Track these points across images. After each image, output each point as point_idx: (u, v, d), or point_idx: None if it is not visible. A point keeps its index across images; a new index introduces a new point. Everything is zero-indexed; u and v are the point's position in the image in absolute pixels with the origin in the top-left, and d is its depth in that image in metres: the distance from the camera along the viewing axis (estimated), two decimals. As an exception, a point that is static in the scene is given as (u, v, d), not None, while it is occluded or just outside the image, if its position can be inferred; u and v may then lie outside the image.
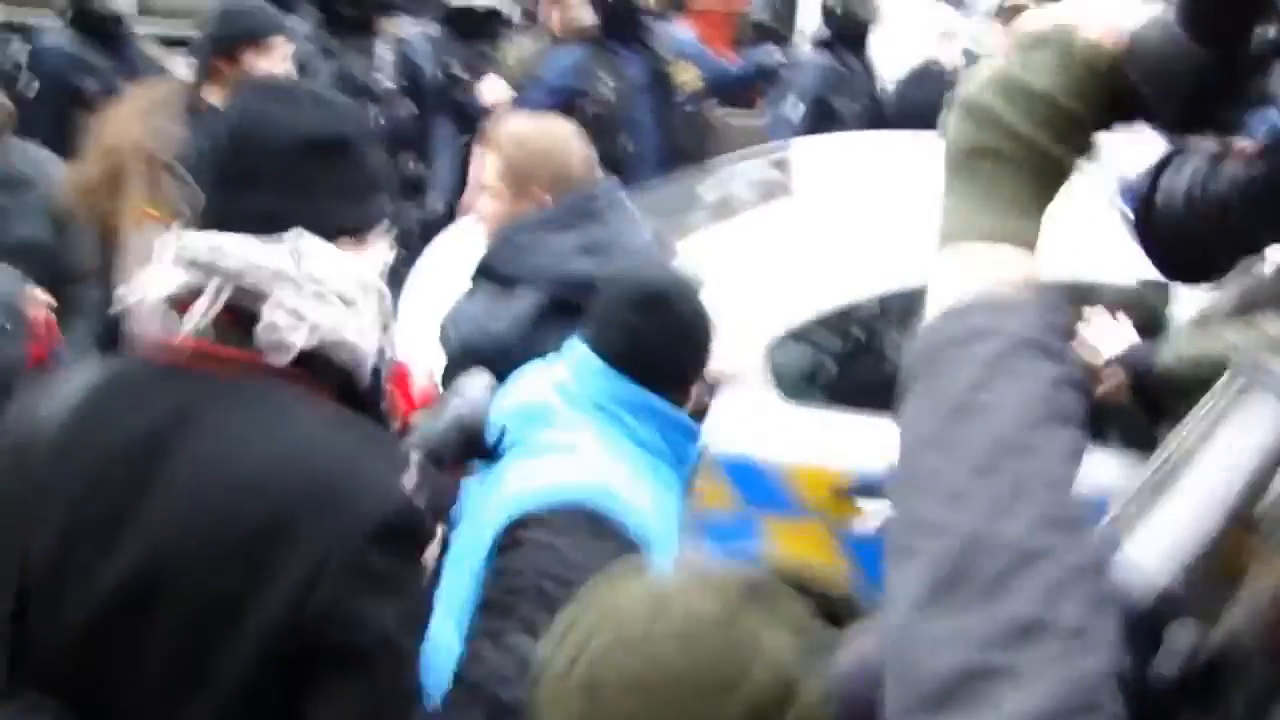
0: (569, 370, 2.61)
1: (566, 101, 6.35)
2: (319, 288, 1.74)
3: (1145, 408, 3.37)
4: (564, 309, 3.02)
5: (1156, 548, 1.08)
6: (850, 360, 4.29)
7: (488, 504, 2.45)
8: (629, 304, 2.59)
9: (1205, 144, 1.18)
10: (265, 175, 1.80)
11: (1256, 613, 1.03)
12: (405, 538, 1.74)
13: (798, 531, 4.02)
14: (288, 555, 1.65)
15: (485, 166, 3.28)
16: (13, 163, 3.64)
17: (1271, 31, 1.10)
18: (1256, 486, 1.05)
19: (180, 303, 1.75)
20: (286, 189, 1.78)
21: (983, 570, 0.95)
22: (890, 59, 7.17)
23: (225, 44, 4.49)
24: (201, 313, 1.73)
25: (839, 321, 4.24)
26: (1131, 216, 1.21)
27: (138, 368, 1.81)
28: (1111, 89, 1.18)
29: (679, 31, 7.33)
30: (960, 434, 1.04)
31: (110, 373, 1.83)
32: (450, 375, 3.06)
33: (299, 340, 1.73)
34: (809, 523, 4.01)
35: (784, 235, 4.57)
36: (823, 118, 6.77)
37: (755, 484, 4.02)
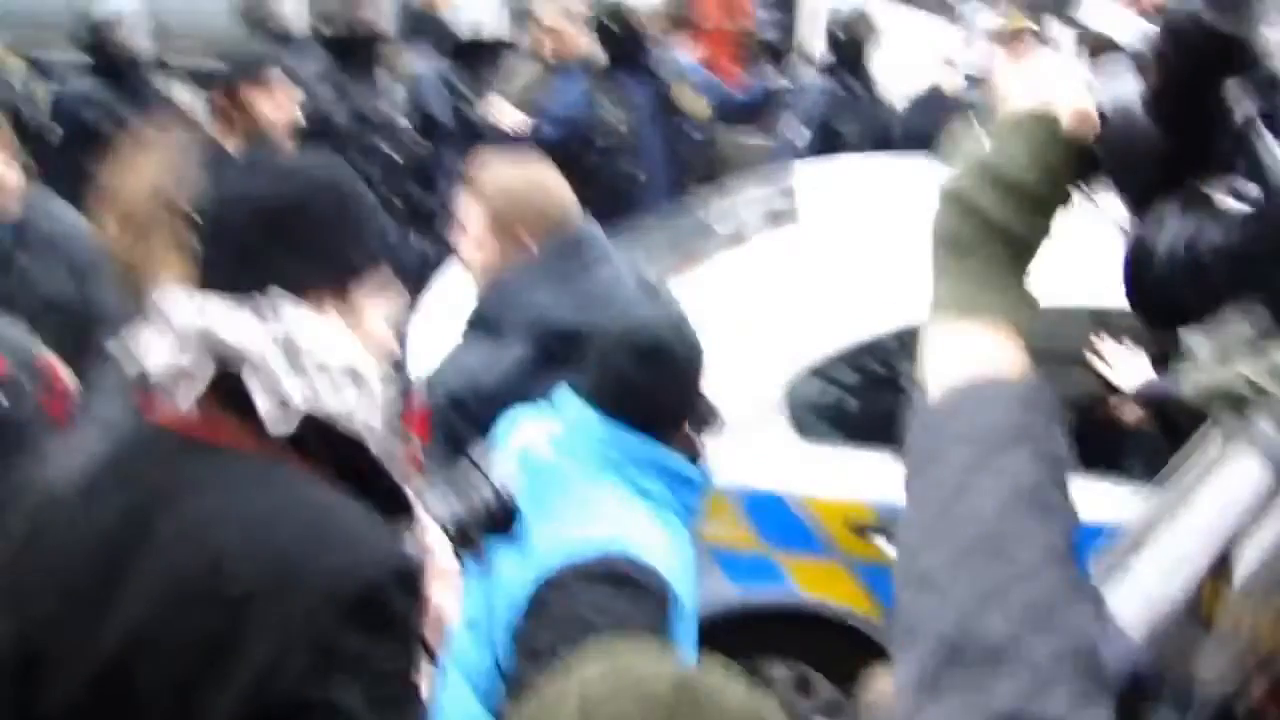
0: (570, 425, 2.66)
1: (574, 131, 6.50)
2: (305, 361, 1.76)
3: (1170, 439, 3.30)
4: (552, 359, 3.06)
5: (1136, 604, 1.13)
6: (869, 396, 4.29)
7: (505, 569, 2.48)
8: (627, 355, 2.63)
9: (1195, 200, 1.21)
10: (221, 242, 1.87)
11: (1243, 680, 1.06)
12: (378, 615, 1.70)
13: (819, 569, 4.04)
14: (252, 638, 1.64)
15: (469, 214, 3.29)
16: (38, 222, 3.74)
17: (1246, 108, 1.15)
18: (1233, 542, 1.09)
19: (172, 373, 1.78)
20: (247, 254, 1.84)
21: (970, 663, 0.99)
22: (894, 83, 7.21)
23: (224, 82, 4.67)
24: (191, 386, 1.77)
25: (857, 357, 4.19)
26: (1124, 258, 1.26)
27: (135, 438, 1.85)
28: (1081, 168, 1.24)
29: (684, 58, 7.42)
30: (947, 527, 1.08)
31: (111, 442, 1.88)
32: (438, 426, 3.13)
33: (284, 415, 1.75)
34: (829, 560, 4.02)
35: (794, 267, 4.57)
36: (827, 142, 6.84)
37: (776, 522, 4.03)
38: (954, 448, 1.13)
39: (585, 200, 6.32)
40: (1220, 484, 1.12)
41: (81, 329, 3.67)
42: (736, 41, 9.64)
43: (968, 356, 1.21)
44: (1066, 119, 1.22)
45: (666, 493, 2.63)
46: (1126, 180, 1.23)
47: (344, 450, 1.81)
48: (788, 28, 9.59)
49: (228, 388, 1.75)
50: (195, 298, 1.80)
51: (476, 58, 7.08)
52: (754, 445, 4.03)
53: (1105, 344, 3.66)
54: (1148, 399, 3.48)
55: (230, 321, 1.77)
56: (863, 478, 4.00)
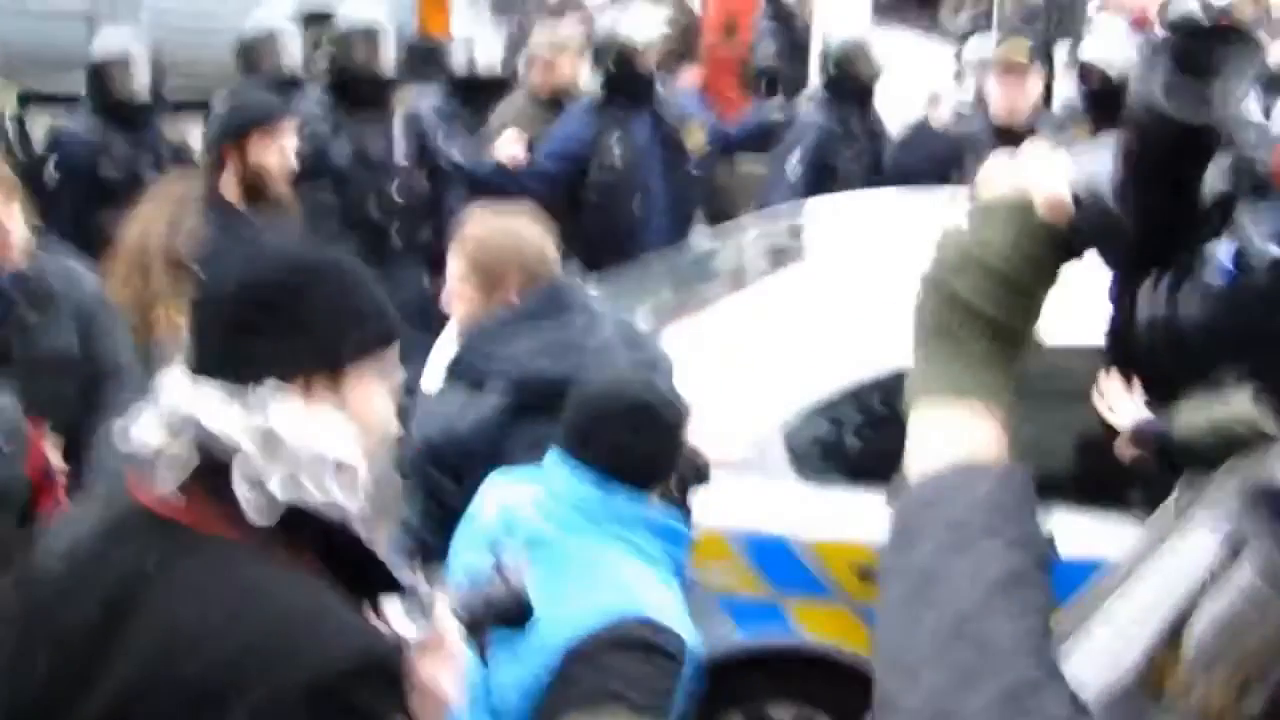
0: (556, 488, 2.69)
1: (573, 165, 6.53)
2: (287, 451, 1.77)
3: (1172, 478, 3.41)
4: (529, 409, 3.13)
5: (1091, 670, 1.13)
6: (871, 436, 4.27)
7: (515, 647, 2.51)
8: (617, 419, 2.68)
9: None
10: (212, 323, 1.90)
11: None
12: (340, 707, 1.73)
13: (824, 613, 4.02)
14: None
15: (452, 265, 3.35)
16: (43, 277, 3.76)
17: (1221, 183, 1.16)
18: (1187, 611, 1.08)
19: (159, 456, 1.81)
20: (239, 339, 1.86)
21: None
22: (892, 113, 7.22)
23: (233, 130, 4.68)
24: (175, 470, 1.79)
25: (858, 397, 4.18)
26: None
27: (122, 518, 1.87)
28: (1061, 253, 1.26)
29: (682, 92, 7.44)
30: (921, 612, 1.10)
31: (99, 519, 1.91)
32: (415, 473, 3.17)
33: (264, 505, 1.76)
34: (835, 604, 4.00)
35: (798, 307, 4.58)
36: (822, 176, 6.81)
37: (781, 566, 4.03)
38: (931, 532, 1.15)
39: (584, 235, 6.43)
40: (1176, 550, 1.13)
41: (83, 384, 3.69)
42: (738, 68, 9.66)
43: (948, 441, 1.22)
44: (1040, 205, 1.24)
45: (658, 548, 2.69)
46: (1107, 263, 1.23)
47: (329, 539, 1.83)
48: (792, 55, 9.60)
49: (213, 474, 1.77)
50: (190, 381, 1.83)
51: (476, 93, 7.09)
52: (757, 489, 4.04)
53: (1107, 382, 3.68)
54: (1141, 438, 3.49)
55: (216, 409, 1.79)
56: (867, 520, 3.99)
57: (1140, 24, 12.53)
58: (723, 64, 9.55)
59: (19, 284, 3.68)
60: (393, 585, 1.91)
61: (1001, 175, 1.29)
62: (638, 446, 2.69)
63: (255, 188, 4.65)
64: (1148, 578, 1.15)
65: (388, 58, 6.26)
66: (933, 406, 1.25)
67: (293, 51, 6.86)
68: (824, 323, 4.38)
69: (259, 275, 1.94)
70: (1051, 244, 1.25)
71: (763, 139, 7.30)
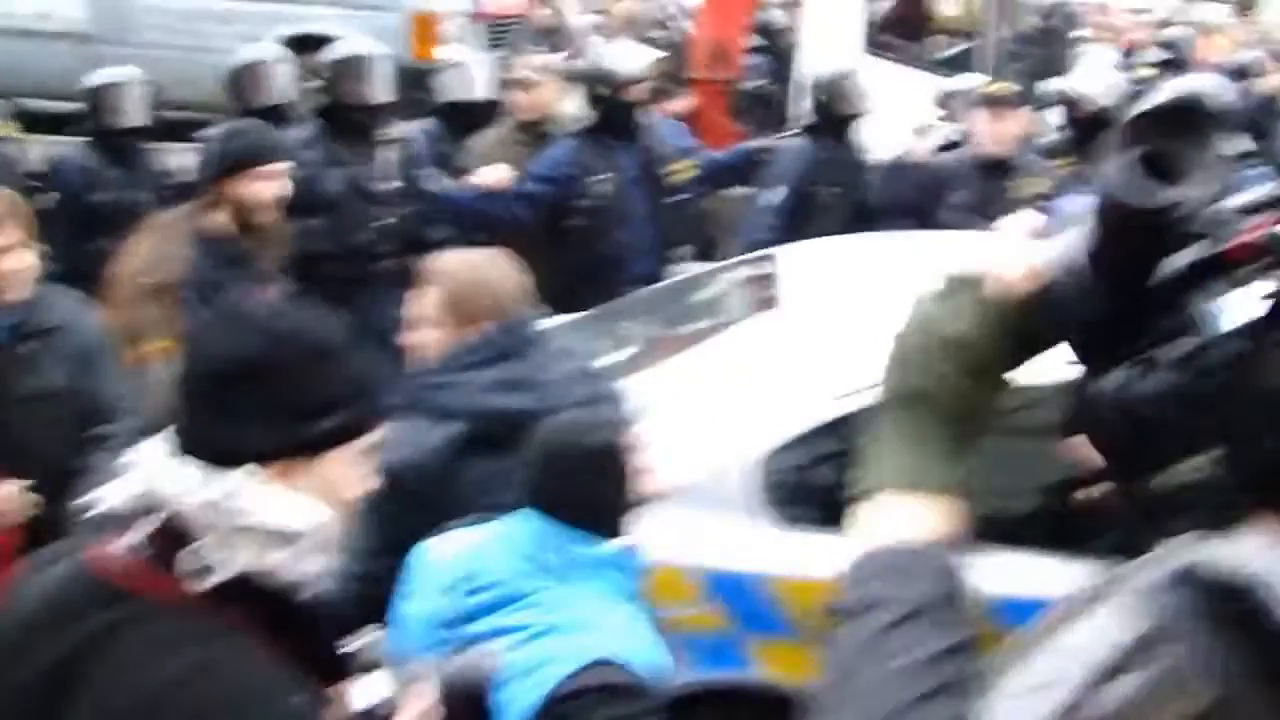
0: (524, 539, 2.77)
1: (559, 191, 6.61)
2: (242, 521, 1.80)
3: (1142, 520, 3.47)
4: (484, 440, 3.25)
5: None
6: (838, 475, 4.23)
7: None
8: (583, 467, 2.78)
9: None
10: (192, 401, 1.91)
11: None
12: None
13: (789, 653, 4.00)
14: None
15: (424, 300, 3.45)
16: (43, 311, 3.84)
17: (1183, 259, 1.18)
18: (1098, 685, 1.08)
19: (115, 521, 1.85)
20: (210, 417, 1.87)
21: None
22: (880, 145, 7.25)
23: (228, 168, 4.76)
24: (129, 536, 1.82)
25: (825, 436, 4.16)
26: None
27: (79, 580, 1.88)
28: (1028, 329, 1.27)
29: (668, 123, 7.52)
30: (850, 703, 1.14)
31: (56, 581, 1.91)
32: (368, 500, 3.29)
33: (217, 573, 1.78)
34: (797, 643, 3.98)
35: (769, 348, 4.64)
36: (803, 205, 6.85)
37: (745, 604, 4.05)
38: (869, 611, 1.19)
39: (567, 266, 6.51)
40: (1095, 625, 1.11)
41: (78, 420, 3.77)
42: (727, 96, 9.74)
43: (895, 522, 1.26)
44: (1009, 284, 1.26)
45: (619, 583, 2.78)
46: (1073, 341, 1.26)
47: (285, 610, 1.86)
48: (782, 83, 9.69)
49: (169, 544, 1.81)
50: (166, 454, 1.87)
51: (466, 120, 7.22)
52: (720, 526, 4.09)
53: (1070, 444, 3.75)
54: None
55: (173, 478, 1.83)
56: (832, 559, 4.03)
57: (1130, 50, 12.70)
58: (712, 92, 9.62)
59: (23, 314, 3.76)
60: (338, 665, 1.96)
61: (973, 252, 1.32)
62: (601, 494, 2.79)
63: (249, 221, 4.76)
64: (1056, 649, 1.13)
65: (381, 86, 6.33)
66: (885, 490, 1.27)
67: (283, 80, 6.87)
68: (793, 363, 4.44)
69: (240, 355, 1.91)
70: (1019, 327, 1.27)
71: (748, 170, 7.35)
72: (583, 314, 5.81)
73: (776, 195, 6.93)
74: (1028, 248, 1.29)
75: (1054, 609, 1.17)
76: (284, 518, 1.83)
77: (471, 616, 2.72)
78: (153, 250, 4.60)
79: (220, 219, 4.76)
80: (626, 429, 2.98)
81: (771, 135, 8.02)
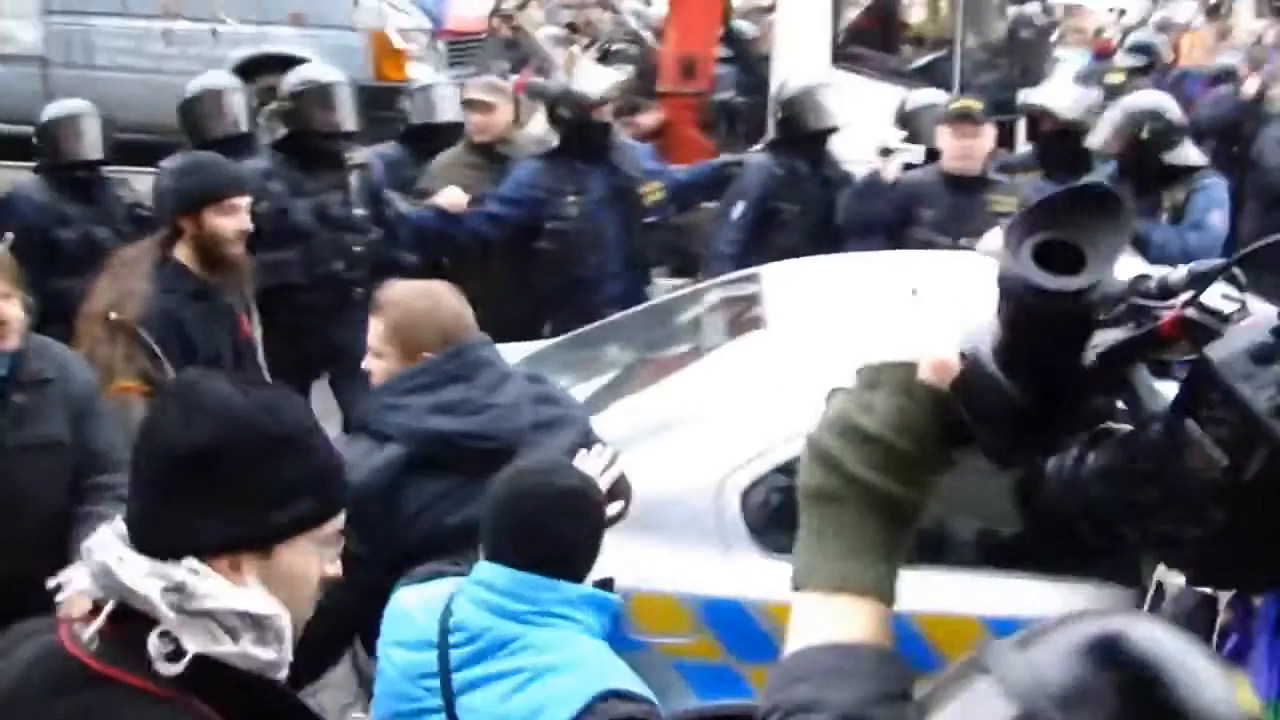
0: (502, 587, 2.81)
1: (526, 215, 6.68)
2: (197, 605, 1.82)
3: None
4: (424, 463, 3.40)
5: None
6: None
7: None
8: (553, 513, 2.84)
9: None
10: (140, 490, 1.92)
11: None
12: None
13: None
14: None
15: (374, 331, 3.60)
16: (35, 362, 3.81)
17: (1114, 337, 1.20)
18: None
19: (79, 605, 1.89)
20: (159, 507, 1.89)
21: None
22: (847, 160, 7.25)
23: (188, 203, 4.78)
24: (92, 621, 1.85)
25: None
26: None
27: (46, 660, 1.90)
28: (945, 424, 1.24)
29: (638, 148, 7.55)
30: None
31: (32, 659, 1.92)
32: None
33: (172, 657, 1.80)
34: None
35: (755, 373, 4.63)
36: (765, 220, 6.88)
37: (738, 632, 4.07)
38: (800, 715, 1.21)
39: (538, 288, 6.53)
40: (959, 709, 1.11)
41: (73, 469, 3.79)
42: (697, 107, 9.77)
43: (821, 624, 1.25)
44: (924, 369, 1.25)
45: (597, 621, 2.84)
46: (988, 436, 1.23)
47: (246, 690, 1.87)
48: (753, 94, 9.73)
49: (131, 627, 1.83)
50: (120, 542, 1.89)
51: (431, 141, 7.28)
52: (713, 554, 4.14)
53: None
54: None
55: (130, 565, 1.85)
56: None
57: (1103, 54, 12.80)
58: (682, 106, 9.66)
59: (14, 365, 3.77)
60: None
61: (893, 339, 1.31)
62: (569, 537, 2.86)
63: (212, 255, 4.78)
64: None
65: (344, 113, 6.36)
66: (815, 591, 1.27)
67: (238, 110, 6.84)
68: (780, 388, 4.43)
69: (188, 445, 1.89)
70: (939, 414, 1.24)
71: (715, 185, 7.36)
72: (561, 338, 5.85)
73: (740, 211, 6.95)
74: (946, 335, 1.26)
75: (940, 683, 1.16)
76: (244, 602, 1.85)
77: (459, 666, 2.77)
78: (117, 286, 4.62)
79: (182, 253, 4.79)
80: (587, 460, 3.08)
81: (743, 148, 8.04)
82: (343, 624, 3.19)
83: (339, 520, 2.02)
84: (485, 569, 2.84)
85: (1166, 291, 1.23)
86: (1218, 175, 6.73)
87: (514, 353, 5.26)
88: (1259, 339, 1.13)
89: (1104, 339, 1.21)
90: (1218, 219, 6.36)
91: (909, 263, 5.51)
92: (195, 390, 1.98)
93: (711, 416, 4.42)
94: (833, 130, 7.16)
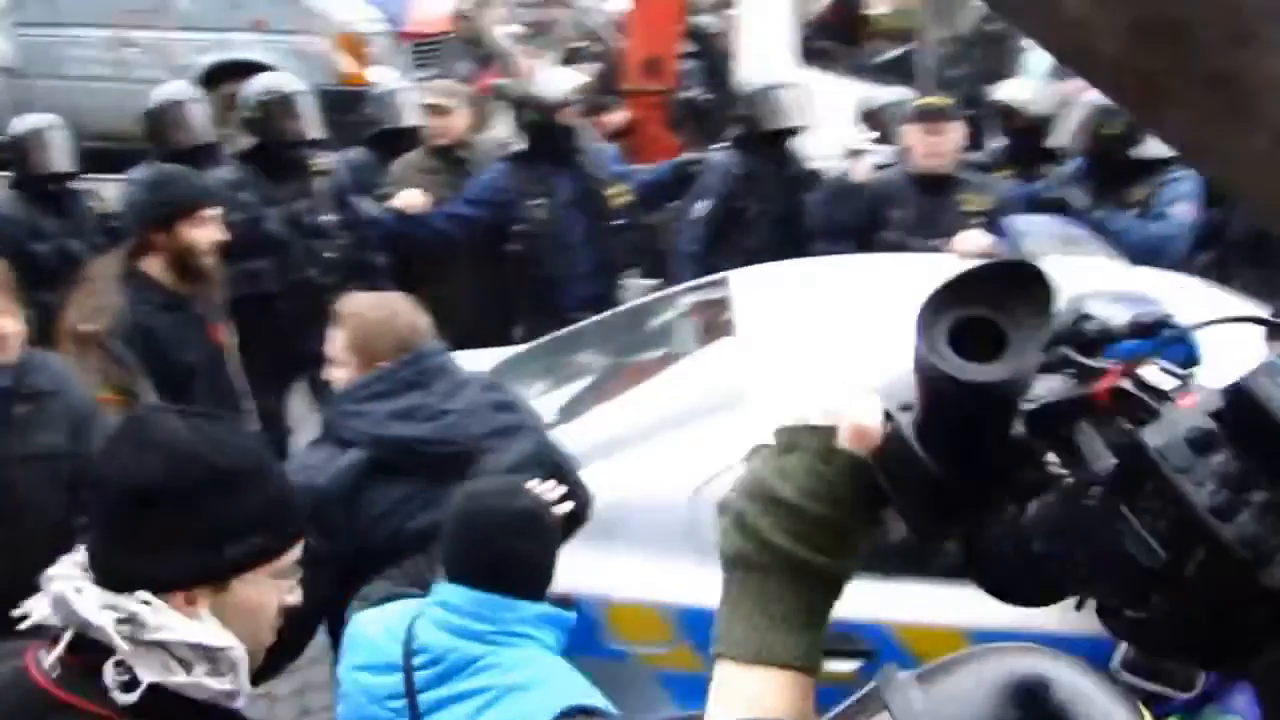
0: (462, 608, 2.87)
1: (493, 215, 6.72)
2: (151, 636, 1.87)
3: None
4: (384, 467, 3.52)
5: None
6: None
7: None
8: (508, 534, 2.91)
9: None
10: (95, 521, 1.98)
11: None
12: None
13: None
14: None
15: (333, 341, 3.73)
16: (34, 375, 3.89)
17: (1053, 396, 1.14)
18: None
19: (41, 633, 1.93)
20: (113, 543, 1.94)
21: None
22: (815, 159, 7.26)
23: (160, 216, 4.87)
24: (52, 649, 1.90)
25: None
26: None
27: (11, 685, 1.95)
28: (865, 491, 1.17)
29: (604, 150, 7.59)
30: None
31: (1, 684, 1.98)
32: None
33: (127, 685, 1.85)
34: None
35: (727, 380, 4.63)
36: (729, 220, 6.89)
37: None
38: None
39: (507, 292, 6.57)
40: None
41: (73, 482, 3.83)
42: (663, 105, 9.80)
43: (745, 698, 1.20)
44: (843, 435, 1.19)
45: (555, 638, 2.92)
46: (907, 507, 1.18)
47: (203, 718, 1.93)
48: (718, 91, 9.76)
49: (89, 656, 1.89)
50: (78, 574, 1.94)
51: (396, 145, 7.29)
52: (690, 563, 4.06)
53: None
54: None
55: (87, 596, 1.90)
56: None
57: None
58: (647, 104, 9.68)
59: (13, 378, 3.84)
60: None
61: (811, 401, 1.24)
62: (528, 556, 2.94)
63: (185, 266, 4.88)
64: None
65: (309, 121, 6.45)
66: (737, 666, 1.22)
67: (201, 120, 6.91)
68: (752, 395, 4.45)
69: (140, 482, 1.93)
70: (859, 481, 1.18)
71: (679, 184, 7.37)
72: (532, 344, 5.88)
73: (700, 210, 6.97)
74: (870, 399, 1.19)
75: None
76: (198, 636, 1.90)
77: (424, 688, 2.84)
78: (89, 299, 4.69)
79: (152, 265, 4.87)
80: (545, 453, 3.20)
81: (709, 145, 8.07)
82: (310, 619, 3.27)
83: (295, 551, 2.05)
84: (445, 590, 2.91)
85: (1107, 336, 1.19)
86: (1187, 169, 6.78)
87: (486, 359, 5.33)
88: (1199, 425, 1.04)
89: (1036, 393, 1.15)
90: (1182, 211, 6.37)
91: (879, 266, 5.55)
92: (146, 427, 2.02)
93: (685, 424, 4.43)
94: (793, 131, 7.14)
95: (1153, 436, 1.05)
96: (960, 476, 1.13)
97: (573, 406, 4.85)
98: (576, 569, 3.45)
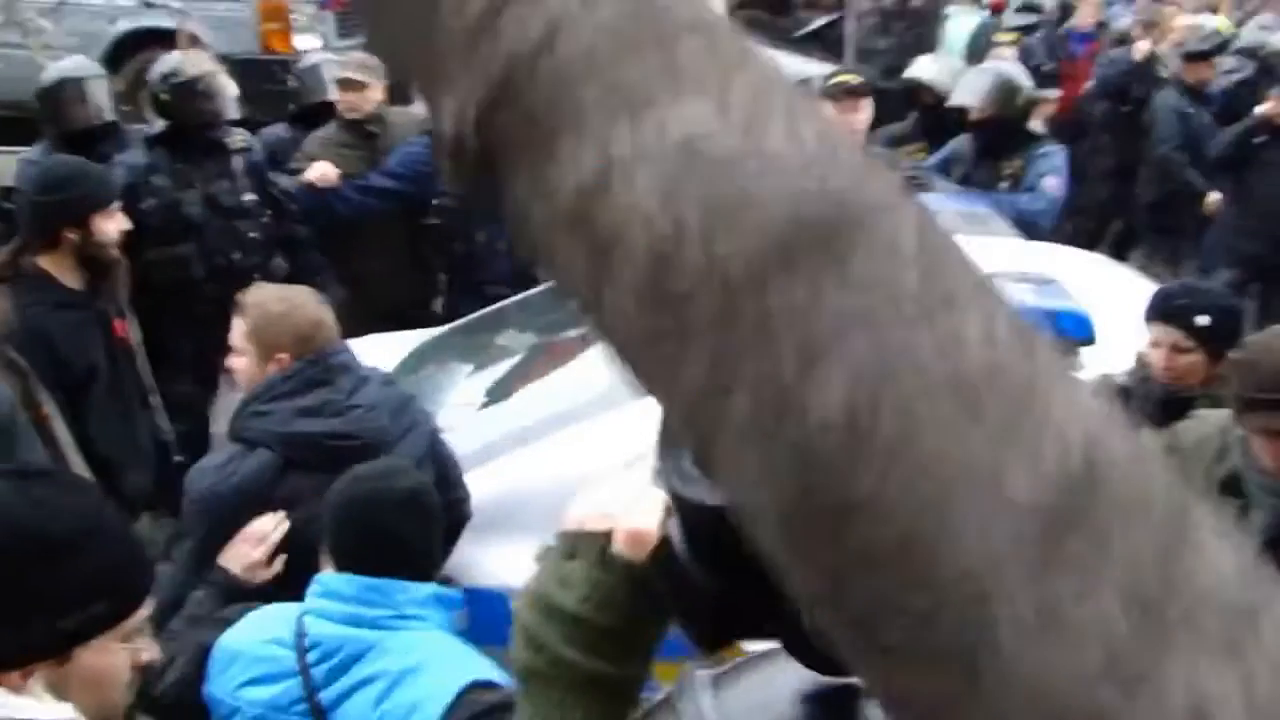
0: (350, 597, 2.92)
1: (415, 188, 6.76)
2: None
3: None
4: (293, 465, 3.66)
5: None
6: None
7: None
8: (395, 515, 3.00)
9: None
10: None
11: None
12: None
13: None
14: None
15: (235, 332, 3.86)
16: None
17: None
18: None
19: None
20: None
21: None
22: None
23: (73, 212, 4.88)
24: None
25: None
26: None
27: None
28: (647, 599, 1.15)
29: None
30: None
31: None
32: (187, 525, 3.69)
33: None
34: None
35: None
36: None
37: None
38: None
39: (431, 266, 6.72)
40: None
41: None
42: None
43: None
44: (618, 541, 1.17)
45: (445, 618, 3.03)
46: (688, 617, 1.13)
47: None
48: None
49: None
50: None
51: (319, 120, 7.30)
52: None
53: None
54: None
55: None
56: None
57: (997, 9, 13.07)
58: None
59: None
60: None
61: (590, 504, 1.22)
62: (412, 538, 3.03)
63: (95, 260, 4.94)
64: None
65: (224, 101, 6.41)
66: None
67: (101, 98, 6.65)
68: None
69: None
70: (639, 587, 1.16)
71: None
72: (456, 324, 5.96)
73: None
74: (652, 503, 1.15)
75: None
76: (29, 713, 1.80)
77: (324, 684, 2.89)
78: None
79: (48, 262, 4.89)
80: (434, 451, 3.36)
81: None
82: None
83: (142, 611, 1.97)
84: (332, 581, 2.96)
85: None
86: (1056, 144, 7.06)
87: (408, 340, 5.51)
88: None
89: None
90: (1053, 184, 6.70)
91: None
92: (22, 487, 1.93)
93: (615, 403, 4.50)
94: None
95: None
96: (735, 589, 1.03)
97: (500, 387, 5.01)
98: (496, 560, 3.71)
